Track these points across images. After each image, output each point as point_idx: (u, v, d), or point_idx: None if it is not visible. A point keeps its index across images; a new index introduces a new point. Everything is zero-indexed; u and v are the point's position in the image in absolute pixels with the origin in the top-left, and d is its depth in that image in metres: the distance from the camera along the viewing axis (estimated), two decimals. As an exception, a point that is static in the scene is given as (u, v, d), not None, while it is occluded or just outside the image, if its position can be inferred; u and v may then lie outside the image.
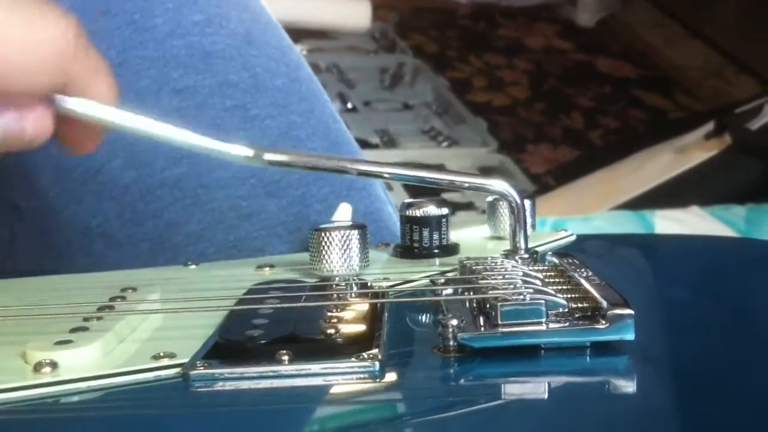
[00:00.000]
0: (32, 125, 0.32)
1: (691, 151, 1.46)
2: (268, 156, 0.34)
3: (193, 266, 0.41)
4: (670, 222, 1.19)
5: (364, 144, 1.76)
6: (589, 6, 2.78)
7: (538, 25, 2.77)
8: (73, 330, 0.30)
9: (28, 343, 0.28)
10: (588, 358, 0.28)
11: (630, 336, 0.28)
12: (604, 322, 0.28)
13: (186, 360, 0.28)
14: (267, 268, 0.40)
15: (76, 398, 0.26)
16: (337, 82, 2.12)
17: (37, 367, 0.27)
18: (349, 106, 2.02)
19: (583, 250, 0.41)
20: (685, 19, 2.58)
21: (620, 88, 2.45)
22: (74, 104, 0.32)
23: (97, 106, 0.32)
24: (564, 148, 2.11)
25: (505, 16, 2.77)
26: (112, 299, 0.33)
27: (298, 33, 1.92)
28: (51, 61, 0.30)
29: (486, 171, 1.83)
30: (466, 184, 0.36)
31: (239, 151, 0.34)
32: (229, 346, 0.29)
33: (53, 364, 0.27)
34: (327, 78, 2.06)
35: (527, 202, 0.36)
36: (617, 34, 2.72)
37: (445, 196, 1.32)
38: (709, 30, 2.48)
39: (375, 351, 0.28)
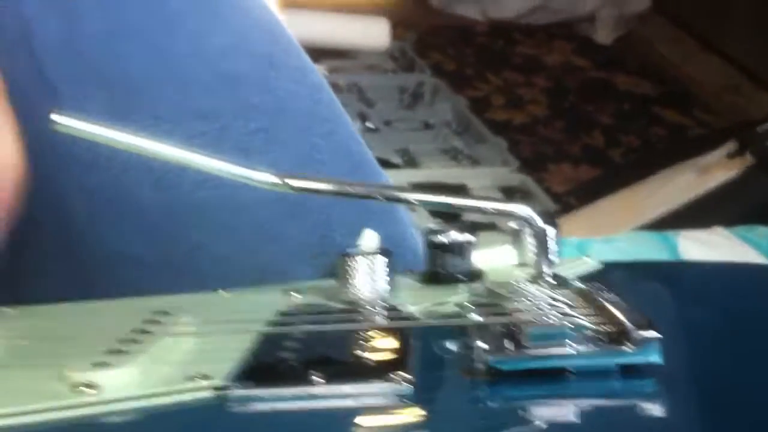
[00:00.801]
0: None
1: (713, 171, 1.46)
2: (294, 182, 0.35)
3: (222, 292, 0.42)
4: (693, 243, 1.19)
5: (385, 163, 1.77)
6: (606, 23, 2.78)
7: (556, 42, 2.78)
8: (110, 352, 0.30)
9: (65, 365, 0.29)
10: (615, 381, 0.28)
11: (657, 359, 0.28)
12: (630, 345, 0.28)
13: (221, 381, 0.28)
14: (294, 294, 0.40)
15: (115, 418, 0.27)
16: (357, 102, 2.13)
17: (76, 388, 0.28)
18: (370, 125, 2.04)
19: (609, 276, 0.42)
20: (703, 34, 2.58)
21: (640, 105, 2.45)
22: (97, 131, 0.33)
23: (118, 133, 0.33)
24: (585, 166, 2.11)
25: (523, 34, 2.78)
26: (146, 322, 0.34)
27: (317, 53, 1.93)
28: None
29: (507, 191, 1.83)
30: (490, 209, 0.36)
31: (264, 177, 0.35)
32: (262, 367, 0.29)
33: (91, 385, 0.28)
34: (347, 98, 2.07)
35: (551, 228, 0.36)
36: (635, 50, 2.72)
37: (471, 217, 1.33)
38: (726, 45, 2.48)
39: (405, 373, 0.28)
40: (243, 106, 0.49)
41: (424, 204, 0.36)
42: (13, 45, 0.48)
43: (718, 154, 1.53)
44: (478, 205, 0.36)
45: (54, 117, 0.33)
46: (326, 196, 0.36)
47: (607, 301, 0.32)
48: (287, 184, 0.35)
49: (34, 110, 0.49)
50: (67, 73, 0.47)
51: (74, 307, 0.40)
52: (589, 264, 0.43)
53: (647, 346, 0.28)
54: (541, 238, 0.36)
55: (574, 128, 2.30)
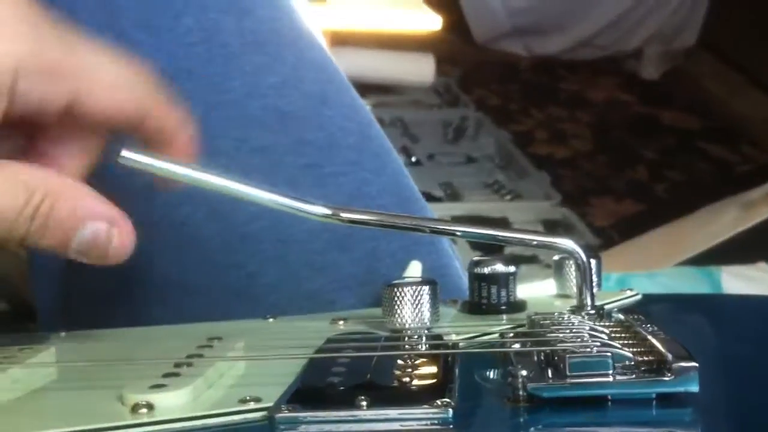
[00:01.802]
0: (119, 239, 0.35)
1: (758, 207, 1.45)
2: (345, 215, 0.37)
3: (272, 319, 0.43)
4: (737, 279, 1.18)
5: (428, 197, 1.78)
6: (653, 59, 2.78)
7: (600, 78, 2.78)
8: (166, 375, 0.32)
9: (125, 387, 0.31)
10: (654, 409, 0.29)
11: (694, 388, 0.29)
12: (669, 374, 0.29)
13: (271, 404, 0.30)
14: (341, 322, 0.41)
15: (171, 438, 0.29)
16: (402, 136, 2.15)
17: (135, 409, 0.29)
18: (413, 159, 2.05)
19: (649, 308, 0.42)
20: (750, 70, 2.56)
21: (685, 140, 2.43)
22: (162, 165, 0.35)
23: (181, 168, 0.35)
24: (628, 201, 2.10)
25: (567, 69, 2.79)
26: (200, 347, 0.36)
27: (363, 88, 1.96)
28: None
29: (549, 224, 1.83)
30: (534, 242, 0.37)
31: (317, 210, 0.36)
32: (310, 391, 0.30)
33: (149, 406, 0.29)
34: (391, 132, 2.09)
35: (593, 261, 0.37)
36: (681, 86, 2.71)
37: (510, 249, 1.33)
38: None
39: (448, 399, 0.29)
40: (295, 142, 0.51)
41: (469, 236, 0.37)
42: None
43: (763, 189, 1.52)
44: (523, 238, 0.37)
45: (124, 153, 0.35)
46: (374, 228, 0.37)
47: (646, 332, 0.33)
48: (338, 216, 0.36)
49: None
50: None
51: (130, 332, 0.42)
52: (631, 295, 0.44)
53: (686, 376, 0.29)
54: (584, 271, 0.37)
55: (617, 163, 2.29)
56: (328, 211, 0.36)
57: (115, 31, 0.50)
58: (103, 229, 0.35)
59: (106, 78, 0.36)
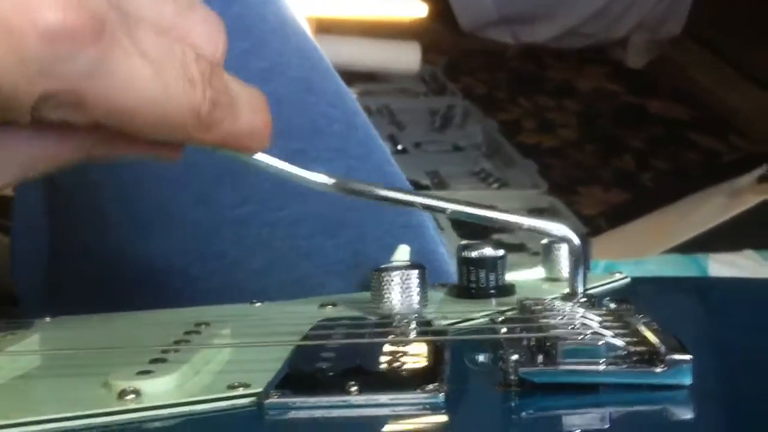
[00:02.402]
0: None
1: (744, 195, 1.45)
2: (343, 184, 0.36)
3: (259, 304, 0.43)
4: (723, 266, 1.19)
5: (415, 185, 1.78)
6: (638, 48, 2.78)
7: (587, 67, 2.78)
8: (153, 361, 0.31)
9: (111, 373, 0.30)
10: (645, 393, 0.29)
11: (687, 381, 0.29)
12: (662, 366, 0.29)
13: (260, 390, 0.29)
14: (330, 306, 0.41)
15: (158, 424, 0.28)
16: (388, 124, 2.15)
17: (121, 395, 0.29)
18: (400, 147, 2.05)
19: (639, 293, 0.42)
20: (737, 60, 2.57)
21: (672, 129, 2.44)
22: None
23: None
24: (615, 190, 2.11)
25: (555, 58, 2.79)
26: (187, 333, 0.35)
27: (350, 76, 1.95)
28: (178, 131, 0.29)
29: (536, 213, 1.83)
30: (526, 225, 0.37)
31: (318, 178, 0.36)
32: (300, 377, 0.30)
33: (136, 392, 0.29)
34: (378, 120, 2.09)
35: (586, 246, 0.37)
36: (668, 75, 2.72)
37: (497, 237, 1.33)
38: (759, 70, 2.47)
39: (438, 384, 0.29)
40: (282, 128, 0.50)
41: (462, 215, 0.36)
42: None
43: (749, 178, 1.52)
44: (516, 221, 0.37)
45: None
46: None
47: (639, 322, 0.33)
48: (338, 186, 0.36)
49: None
50: None
51: (116, 318, 0.41)
52: (620, 278, 0.44)
53: (678, 369, 0.29)
54: (577, 255, 0.37)
55: (604, 152, 2.30)
56: (328, 180, 0.36)
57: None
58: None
59: (142, 116, 0.29)
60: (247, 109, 0.32)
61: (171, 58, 0.28)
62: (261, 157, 0.35)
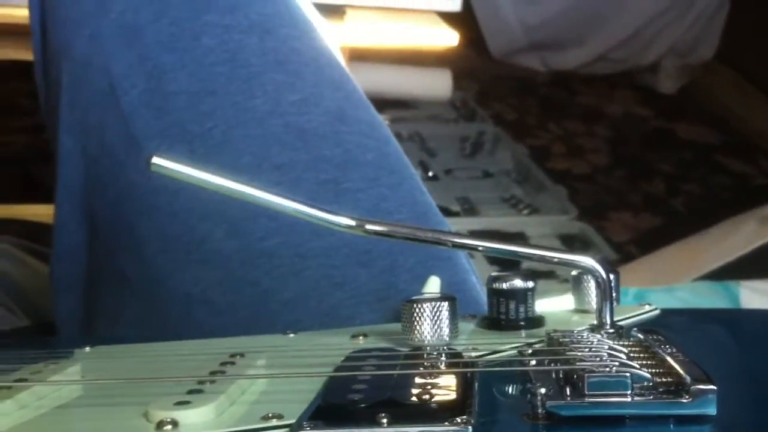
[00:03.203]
0: None
1: (776, 221, 1.44)
2: (369, 226, 0.37)
3: (292, 335, 0.44)
4: (755, 293, 1.18)
5: (445, 211, 1.78)
6: (669, 73, 2.77)
7: (617, 92, 2.78)
8: (190, 392, 0.32)
9: (150, 403, 0.31)
10: (671, 427, 0.29)
11: (712, 411, 0.29)
12: (687, 396, 0.29)
13: (293, 421, 0.30)
14: (361, 337, 0.42)
15: (195, 455, 0.29)
16: (419, 151, 2.16)
17: (160, 426, 0.30)
18: (430, 174, 2.06)
19: (667, 324, 0.42)
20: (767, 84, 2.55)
21: (702, 154, 2.43)
22: (193, 173, 0.35)
23: (211, 177, 0.35)
24: (645, 215, 2.10)
25: (584, 84, 2.79)
26: (223, 364, 0.36)
27: (381, 103, 1.96)
28: None
29: (566, 239, 1.83)
30: (555, 259, 0.37)
31: (342, 221, 0.37)
32: (331, 409, 0.31)
33: (174, 423, 0.30)
34: (409, 146, 2.10)
35: (612, 277, 0.37)
36: (698, 100, 2.71)
37: (527, 264, 1.33)
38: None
39: (467, 416, 0.29)
40: (315, 159, 0.51)
41: (490, 251, 0.37)
42: (102, 101, 0.51)
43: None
44: (543, 255, 0.37)
45: (155, 160, 0.35)
46: (398, 240, 0.38)
47: (666, 352, 0.33)
48: (363, 228, 0.37)
49: (119, 163, 0.52)
50: (151, 129, 0.50)
51: (153, 348, 0.42)
52: (649, 310, 0.44)
53: (704, 399, 0.29)
54: (604, 289, 0.37)
55: (634, 177, 2.29)
56: (352, 222, 0.37)
57: (137, 51, 0.51)
58: None
59: None
60: None
61: None
62: (285, 202, 0.36)
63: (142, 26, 0.52)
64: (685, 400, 0.29)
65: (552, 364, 0.34)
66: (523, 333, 0.41)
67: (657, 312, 0.44)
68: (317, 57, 0.55)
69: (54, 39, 0.54)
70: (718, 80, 2.73)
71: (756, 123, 2.51)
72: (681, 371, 0.30)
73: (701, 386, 0.29)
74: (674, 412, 0.29)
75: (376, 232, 0.37)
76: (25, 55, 0.60)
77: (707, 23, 2.72)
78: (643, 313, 0.43)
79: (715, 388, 0.29)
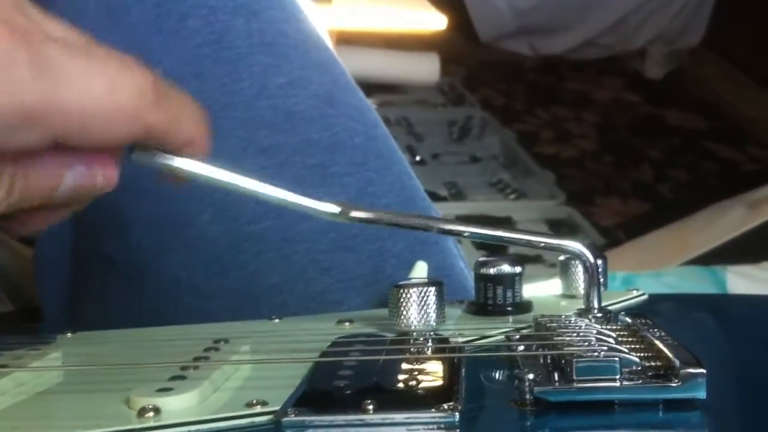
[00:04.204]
0: (102, 175, 0.33)
1: (763, 206, 1.45)
2: (354, 213, 0.37)
3: (277, 320, 0.43)
4: (742, 278, 1.18)
5: (433, 196, 1.78)
6: (657, 59, 2.78)
7: (605, 78, 2.78)
8: (172, 378, 0.32)
9: (132, 390, 0.30)
10: (660, 413, 0.29)
11: (702, 394, 0.29)
12: (676, 380, 0.29)
13: (277, 407, 0.30)
14: (347, 323, 0.41)
15: (177, 442, 0.29)
16: (406, 135, 2.15)
17: (141, 413, 0.29)
18: (418, 158, 2.05)
19: (655, 310, 0.42)
20: (756, 70, 2.56)
21: (690, 140, 2.43)
22: (174, 162, 0.34)
23: (194, 164, 0.35)
24: (634, 201, 2.10)
25: (573, 69, 2.79)
26: (207, 350, 0.36)
27: (368, 87, 1.96)
28: (129, 113, 0.31)
29: (554, 224, 1.83)
30: (542, 244, 0.37)
31: (326, 207, 0.36)
32: (317, 395, 0.30)
33: (156, 410, 0.29)
34: (396, 131, 2.09)
35: (600, 262, 0.37)
36: (686, 86, 2.71)
37: (514, 248, 1.33)
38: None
39: (454, 402, 0.29)
40: (302, 142, 0.51)
41: (477, 237, 0.37)
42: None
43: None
44: (530, 240, 0.37)
45: (136, 152, 0.34)
46: (383, 227, 0.37)
47: (654, 336, 0.33)
48: (347, 215, 0.36)
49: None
50: None
51: (137, 333, 0.42)
52: (637, 295, 0.44)
53: (693, 383, 0.29)
54: (591, 273, 0.37)
55: (622, 162, 2.29)
56: (336, 209, 0.36)
57: (122, 30, 0.50)
58: (81, 170, 0.33)
59: (94, 109, 0.30)
60: (189, 109, 0.34)
61: (104, 53, 0.30)
62: (268, 189, 0.35)
63: (127, 7, 0.51)
64: (674, 384, 0.29)
65: (540, 350, 0.33)
66: (511, 318, 0.40)
67: (645, 297, 0.44)
68: (305, 39, 0.55)
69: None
70: (705, 66, 2.73)
71: (744, 109, 2.52)
72: (670, 355, 0.30)
73: (691, 370, 0.29)
74: (664, 396, 0.29)
75: (360, 219, 0.36)
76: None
77: (694, 9, 2.72)
78: (630, 299, 0.43)
79: (704, 371, 0.29)
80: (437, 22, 1.48)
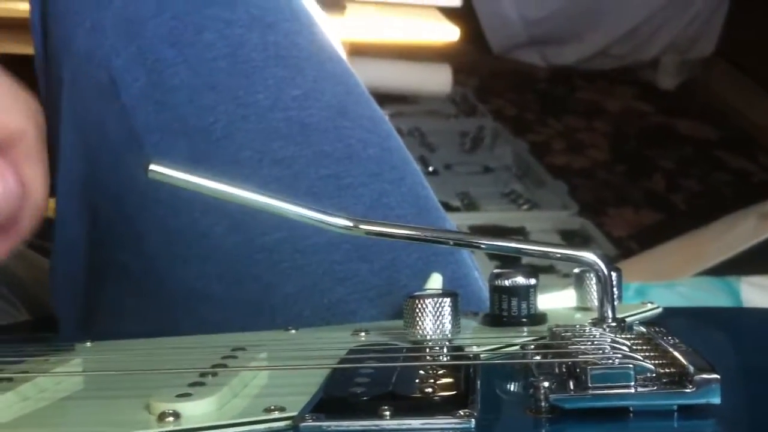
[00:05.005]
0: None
1: (776, 217, 1.44)
2: (365, 227, 0.37)
3: (293, 331, 0.44)
4: (756, 289, 1.18)
5: (445, 206, 1.77)
6: (669, 69, 2.77)
7: (617, 88, 2.78)
8: (192, 384, 0.32)
9: (151, 396, 0.31)
10: (675, 421, 0.29)
11: (716, 400, 0.29)
12: (691, 386, 0.29)
13: (295, 413, 0.30)
14: (362, 333, 0.42)
15: (197, 447, 0.29)
16: (419, 146, 2.16)
17: (161, 417, 0.30)
18: (431, 169, 2.06)
19: (670, 320, 0.42)
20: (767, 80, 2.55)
21: (702, 150, 2.43)
22: (190, 178, 0.35)
23: (208, 182, 0.35)
24: (646, 211, 2.10)
25: (584, 80, 2.79)
26: (225, 358, 0.36)
27: (381, 98, 1.96)
28: None
29: (567, 234, 1.83)
30: (557, 255, 0.37)
31: (338, 221, 0.37)
32: (334, 401, 0.31)
33: (176, 415, 0.30)
34: (409, 141, 2.09)
35: (614, 274, 0.37)
36: (698, 96, 2.71)
37: (527, 259, 1.33)
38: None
39: (470, 409, 0.29)
40: (316, 153, 0.51)
41: (492, 249, 0.37)
42: (103, 95, 0.51)
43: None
44: (545, 251, 0.37)
45: (152, 167, 0.35)
46: (396, 240, 0.38)
47: (668, 344, 0.33)
48: (359, 228, 0.37)
49: (120, 158, 0.52)
50: (152, 123, 0.50)
51: (155, 342, 0.42)
52: (652, 308, 0.44)
53: (708, 388, 0.29)
54: (605, 284, 0.37)
55: (634, 173, 2.29)
56: (349, 223, 0.37)
57: (138, 45, 0.51)
58: None
59: None
60: None
61: None
62: (281, 204, 0.36)
63: (144, 20, 0.51)
64: (688, 390, 0.29)
65: (554, 358, 0.34)
66: (526, 330, 0.41)
67: (659, 310, 0.44)
68: (318, 52, 0.55)
69: (54, 32, 0.54)
70: (718, 76, 2.73)
71: (756, 119, 2.51)
72: (684, 361, 0.30)
73: (705, 375, 0.29)
74: (678, 402, 0.29)
75: (371, 233, 0.37)
76: (26, 49, 0.60)
77: (707, 19, 2.72)
78: (645, 311, 0.43)
79: (718, 377, 0.29)
80: (449, 33, 1.49)
